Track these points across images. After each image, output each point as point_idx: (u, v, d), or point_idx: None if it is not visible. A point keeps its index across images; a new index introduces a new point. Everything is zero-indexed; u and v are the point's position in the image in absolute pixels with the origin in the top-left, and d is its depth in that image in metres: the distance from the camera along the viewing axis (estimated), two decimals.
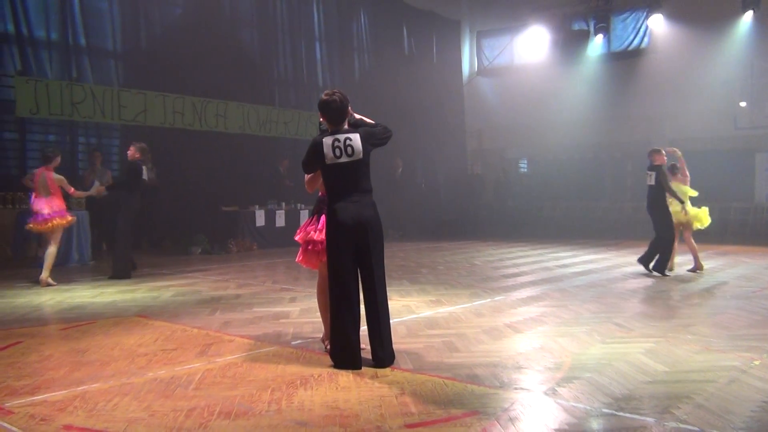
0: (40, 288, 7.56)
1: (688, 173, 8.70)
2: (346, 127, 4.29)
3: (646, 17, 16.26)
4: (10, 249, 9.78)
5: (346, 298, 4.16)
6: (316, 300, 4.83)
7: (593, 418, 3.28)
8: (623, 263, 9.76)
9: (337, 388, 3.73)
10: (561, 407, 3.43)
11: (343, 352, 4.17)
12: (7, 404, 3.49)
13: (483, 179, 18.57)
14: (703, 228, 8.68)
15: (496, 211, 17.96)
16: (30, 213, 8.01)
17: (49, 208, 7.76)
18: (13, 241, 9.70)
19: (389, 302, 4.41)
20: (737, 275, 8.52)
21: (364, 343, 4.31)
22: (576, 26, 17.32)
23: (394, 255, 10.77)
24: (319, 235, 4.46)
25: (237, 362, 4.31)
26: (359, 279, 4.25)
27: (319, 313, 4.80)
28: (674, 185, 8.32)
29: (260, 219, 12.38)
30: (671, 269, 8.58)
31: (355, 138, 4.20)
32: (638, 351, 4.53)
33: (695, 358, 4.36)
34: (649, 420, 3.22)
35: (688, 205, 8.42)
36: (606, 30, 16.80)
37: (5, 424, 3.20)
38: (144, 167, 8.57)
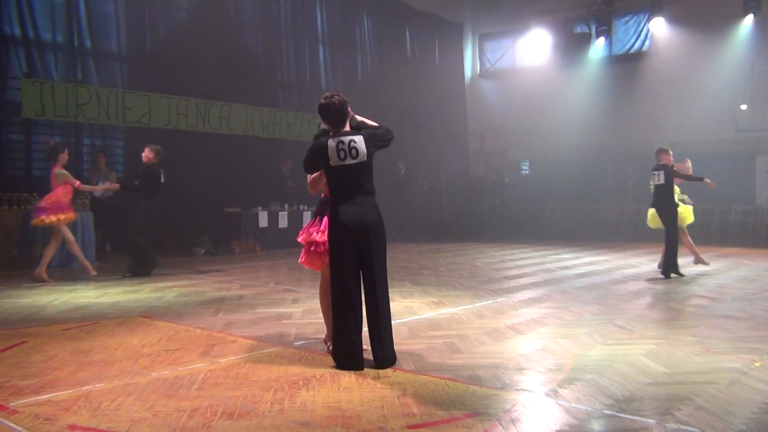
0: (43, 288, 7.60)
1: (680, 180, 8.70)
2: (348, 129, 4.32)
3: (648, 20, 16.27)
4: (16, 249, 9.83)
5: (348, 299, 4.19)
6: (318, 301, 4.85)
7: (594, 420, 3.30)
8: (625, 265, 9.76)
9: (339, 389, 3.76)
10: (562, 408, 3.45)
11: (345, 353, 4.19)
12: (12, 404, 3.52)
13: (485, 181, 18.60)
14: (684, 225, 8.72)
15: (494, 212, 17.98)
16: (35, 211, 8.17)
17: (46, 204, 7.91)
18: (18, 241, 9.76)
19: (391, 303, 4.43)
20: (738, 277, 8.52)
21: (366, 344, 4.33)
22: (578, 29, 17.34)
23: (396, 256, 10.80)
24: (321, 236, 4.48)
25: (240, 363, 4.34)
26: (361, 280, 4.28)
27: (321, 314, 4.82)
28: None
29: (263, 220, 12.42)
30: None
31: (360, 140, 4.22)
32: (639, 353, 4.55)
33: (696, 360, 4.37)
34: (650, 421, 3.23)
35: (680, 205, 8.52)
36: (607, 33, 16.82)
37: (10, 424, 3.23)
38: (161, 170, 8.69)
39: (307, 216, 12.35)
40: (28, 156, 11.03)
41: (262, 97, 13.75)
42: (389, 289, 4.40)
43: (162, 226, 12.11)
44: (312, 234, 4.55)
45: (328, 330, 4.63)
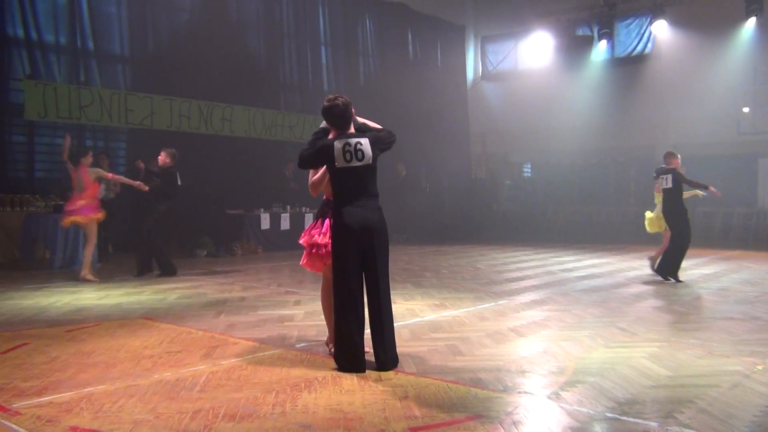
0: (45, 290, 7.61)
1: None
2: (352, 131, 4.31)
3: (650, 23, 16.27)
4: (18, 251, 9.84)
5: (350, 301, 4.18)
6: (320, 303, 4.85)
7: (597, 423, 3.30)
8: (627, 268, 9.75)
9: (341, 391, 3.75)
10: (564, 411, 3.44)
11: (347, 355, 4.18)
12: (14, 405, 3.52)
13: (486, 184, 18.61)
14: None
15: (495, 215, 17.98)
16: (64, 212, 8.41)
17: (83, 203, 8.16)
18: (21, 243, 9.77)
19: (393, 306, 4.43)
20: (740, 280, 8.50)
21: (368, 346, 4.33)
22: (580, 32, 17.35)
23: (398, 258, 10.79)
24: (323, 238, 4.48)
25: (242, 365, 4.34)
26: (364, 282, 4.28)
27: (323, 316, 4.82)
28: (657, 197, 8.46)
29: (265, 222, 12.43)
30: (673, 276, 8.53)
31: (366, 143, 4.22)
32: (641, 355, 4.54)
33: (698, 363, 4.37)
34: (653, 424, 3.23)
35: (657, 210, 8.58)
36: (610, 36, 16.82)
37: (12, 425, 3.23)
38: (178, 173, 8.84)
39: (308, 218, 12.36)
40: (31, 158, 11.06)
41: (264, 99, 13.78)
42: (391, 291, 4.40)
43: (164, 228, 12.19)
44: (314, 236, 4.55)
45: (329, 332, 4.63)
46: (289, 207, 12.90)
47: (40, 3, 10.97)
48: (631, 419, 3.30)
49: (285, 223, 12.65)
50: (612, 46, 17.23)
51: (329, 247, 4.36)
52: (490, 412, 3.40)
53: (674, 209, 8.17)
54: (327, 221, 4.48)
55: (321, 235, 4.51)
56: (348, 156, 4.17)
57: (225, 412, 3.41)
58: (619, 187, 17.38)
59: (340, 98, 4.25)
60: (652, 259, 8.73)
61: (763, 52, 14.88)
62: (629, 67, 16.81)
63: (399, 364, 4.28)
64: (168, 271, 8.85)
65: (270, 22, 14.34)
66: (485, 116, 19.05)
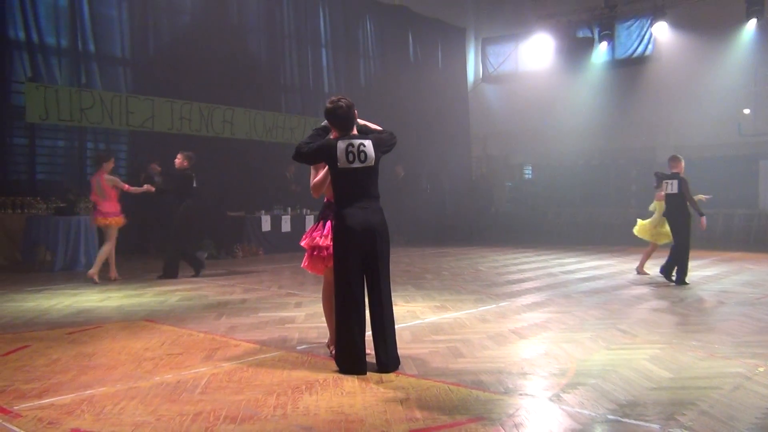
0: (46, 292, 7.61)
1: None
2: (354, 132, 4.31)
3: (651, 25, 16.28)
4: (19, 253, 9.85)
5: (351, 303, 4.18)
6: (321, 305, 4.84)
7: (598, 425, 3.29)
8: (628, 269, 9.74)
9: (342, 393, 3.75)
10: (566, 413, 3.44)
11: (348, 357, 4.18)
12: (15, 407, 3.52)
13: (484, 186, 18.60)
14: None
15: (495, 217, 17.97)
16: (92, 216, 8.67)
17: (108, 208, 8.38)
18: (22, 245, 9.78)
19: (394, 308, 4.43)
20: (742, 282, 8.50)
21: (369, 348, 4.33)
22: (580, 34, 17.36)
23: (398, 260, 10.79)
24: (324, 240, 4.48)
25: (243, 367, 4.34)
26: (365, 284, 4.28)
27: (324, 318, 4.82)
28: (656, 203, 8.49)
29: (266, 224, 12.43)
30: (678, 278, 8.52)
31: (369, 144, 4.22)
32: (643, 357, 4.53)
33: (700, 365, 4.36)
34: (654, 426, 3.22)
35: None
36: (610, 37, 16.84)
37: (13, 428, 3.23)
38: (194, 175, 8.95)
39: (309, 220, 12.36)
40: (32, 160, 11.07)
41: (265, 101, 13.79)
42: (392, 293, 4.40)
43: (165, 230, 12.20)
44: (315, 238, 4.55)
45: (331, 334, 4.63)
46: (290, 209, 12.90)
47: (42, 5, 11.00)
48: (632, 421, 3.30)
49: (286, 225, 12.66)
50: (612, 48, 17.25)
51: (331, 250, 4.36)
52: (492, 414, 3.40)
53: (680, 214, 8.10)
54: (329, 223, 4.48)
55: (323, 237, 4.51)
56: (351, 157, 4.16)
57: (226, 414, 3.41)
58: (619, 188, 17.38)
59: (343, 100, 4.24)
60: (641, 266, 8.93)
61: (764, 54, 14.88)
62: (630, 68, 16.82)
63: (400, 366, 4.27)
64: (169, 274, 8.85)
65: (271, 24, 14.35)
66: (486, 118, 19.07)
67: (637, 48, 17.04)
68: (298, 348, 4.89)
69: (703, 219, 8.16)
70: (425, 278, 8.95)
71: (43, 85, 10.45)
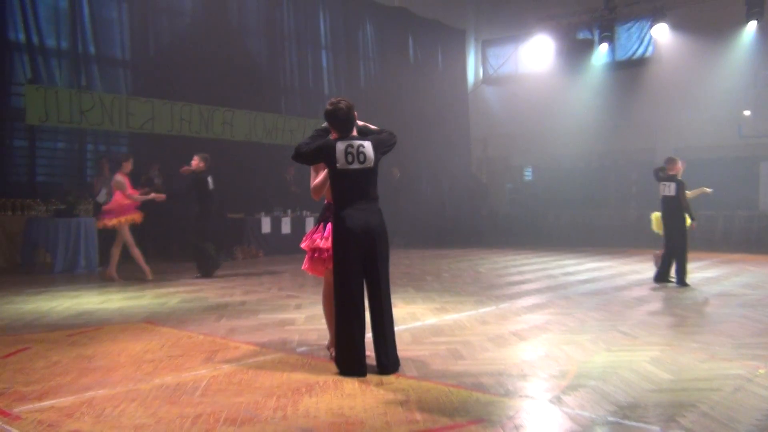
0: (47, 293, 7.61)
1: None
2: (354, 134, 4.31)
3: (651, 26, 16.27)
4: (19, 255, 9.85)
5: (351, 305, 4.18)
6: (321, 307, 4.84)
7: (598, 427, 3.29)
8: (628, 271, 9.74)
9: (342, 395, 3.75)
10: (566, 415, 3.44)
11: (348, 359, 4.18)
12: (15, 410, 3.52)
13: (488, 187, 18.62)
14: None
15: (496, 219, 17.98)
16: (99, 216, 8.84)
17: (109, 207, 8.54)
18: (22, 247, 9.78)
19: (394, 309, 4.43)
20: (742, 283, 8.49)
21: (369, 350, 4.33)
22: (581, 35, 17.37)
23: (398, 262, 10.79)
24: (324, 242, 4.48)
25: (243, 369, 4.33)
26: (365, 286, 4.27)
27: (324, 320, 4.82)
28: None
29: (266, 226, 12.43)
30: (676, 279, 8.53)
31: (368, 146, 4.22)
32: (643, 359, 4.53)
33: (700, 367, 4.36)
34: (655, 428, 3.22)
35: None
36: (610, 39, 16.84)
37: (13, 430, 3.23)
38: (209, 177, 9.13)
39: (309, 222, 12.36)
40: (32, 162, 11.07)
41: (265, 103, 13.79)
42: (392, 295, 4.40)
43: (165, 232, 12.19)
44: (315, 240, 4.55)
45: (331, 336, 4.62)
46: (290, 211, 12.90)
47: (42, 7, 11.00)
48: (633, 423, 3.30)
49: (286, 227, 12.66)
50: (613, 50, 17.25)
51: (331, 251, 4.36)
52: (492, 416, 3.40)
53: (676, 217, 8.12)
54: (329, 225, 4.48)
55: (323, 239, 4.51)
56: (350, 158, 4.16)
57: (226, 416, 3.41)
58: (619, 190, 17.39)
59: (343, 101, 4.24)
60: (657, 257, 8.72)
61: (764, 56, 14.90)
62: (630, 70, 16.82)
63: (400, 368, 4.27)
64: (205, 274, 9.17)
65: (271, 26, 14.36)
66: (486, 120, 19.08)
67: (637, 50, 17.06)
68: (298, 350, 4.89)
69: (694, 224, 8.23)
70: (425, 280, 8.95)
71: (43, 87, 10.46)
